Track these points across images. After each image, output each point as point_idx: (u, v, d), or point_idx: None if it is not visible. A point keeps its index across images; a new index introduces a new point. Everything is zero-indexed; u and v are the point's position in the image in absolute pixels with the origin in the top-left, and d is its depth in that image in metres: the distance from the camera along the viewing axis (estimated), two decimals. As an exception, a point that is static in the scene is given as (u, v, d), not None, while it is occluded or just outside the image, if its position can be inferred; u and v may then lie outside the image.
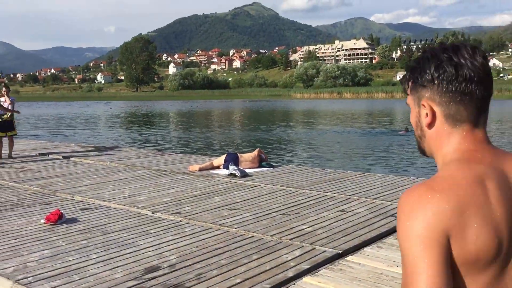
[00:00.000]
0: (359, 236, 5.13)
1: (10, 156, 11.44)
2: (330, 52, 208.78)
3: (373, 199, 6.88)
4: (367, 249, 4.76)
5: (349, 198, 6.98)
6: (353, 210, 6.27)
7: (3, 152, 11.28)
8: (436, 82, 1.06)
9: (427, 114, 1.10)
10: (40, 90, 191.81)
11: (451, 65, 1.04)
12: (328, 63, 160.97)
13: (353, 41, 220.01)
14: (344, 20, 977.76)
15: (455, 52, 1.04)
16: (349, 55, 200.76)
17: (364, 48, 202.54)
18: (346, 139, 22.56)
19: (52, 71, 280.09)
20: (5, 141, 11.50)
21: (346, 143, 20.88)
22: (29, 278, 4.00)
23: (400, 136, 22.67)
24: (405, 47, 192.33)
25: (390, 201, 6.71)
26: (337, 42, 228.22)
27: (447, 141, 1.08)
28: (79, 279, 3.98)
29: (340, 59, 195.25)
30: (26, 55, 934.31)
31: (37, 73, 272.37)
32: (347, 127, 29.31)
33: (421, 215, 0.97)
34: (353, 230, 5.36)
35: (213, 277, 4.04)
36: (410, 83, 1.14)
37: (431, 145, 1.13)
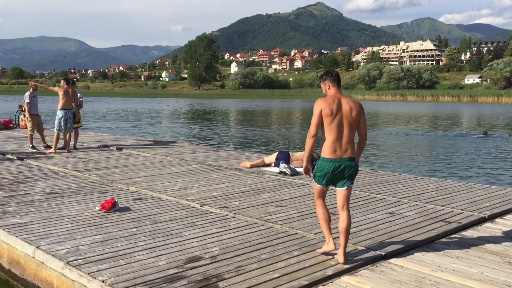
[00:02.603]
0: (406, 239, 5.00)
1: (75, 147, 12.08)
2: (395, 53, 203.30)
3: (424, 203, 6.68)
4: (412, 253, 4.64)
5: (399, 201, 6.81)
6: (402, 213, 6.11)
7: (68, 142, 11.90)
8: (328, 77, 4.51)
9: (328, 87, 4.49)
10: (108, 86, 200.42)
11: (330, 73, 4.53)
12: (392, 65, 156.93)
13: (419, 42, 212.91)
14: (410, 20, 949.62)
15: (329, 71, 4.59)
16: (415, 56, 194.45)
17: (430, 50, 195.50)
18: (407, 141, 21.93)
19: (121, 68, 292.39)
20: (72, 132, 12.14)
21: (405, 145, 20.31)
22: (80, 260, 4.24)
23: (465, 139, 21.73)
24: (475, 49, 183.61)
25: (442, 206, 6.48)
26: (402, 43, 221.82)
27: (329, 91, 4.48)
28: (124, 264, 4.17)
29: (404, 61, 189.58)
30: (97, 52, 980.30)
31: (106, 70, 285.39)
32: (408, 130, 28.48)
33: (316, 105, 4.34)
34: (400, 233, 5.24)
35: (252, 270, 4.09)
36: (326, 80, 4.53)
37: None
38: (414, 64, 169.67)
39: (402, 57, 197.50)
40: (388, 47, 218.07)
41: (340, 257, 4.32)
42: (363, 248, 4.71)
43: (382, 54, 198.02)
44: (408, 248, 4.78)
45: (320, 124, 4.30)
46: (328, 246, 4.50)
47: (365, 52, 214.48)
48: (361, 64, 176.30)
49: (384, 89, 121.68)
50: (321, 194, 4.52)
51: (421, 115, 47.81)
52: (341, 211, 4.45)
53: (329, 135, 4.29)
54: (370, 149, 19.14)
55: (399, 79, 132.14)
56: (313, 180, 4.54)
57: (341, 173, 4.34)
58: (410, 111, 55.38)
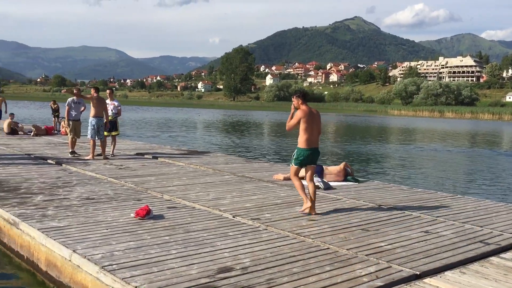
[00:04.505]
0: (441, 259, 4.87)
1: (112, 154, 12.37)
2: (433, 69, 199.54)
3: (462, 222, 6.50)
4: (448, 273, 4.51)
5: (436, 219, 6.65)
6: (438, 232, 5.97)
7: (106, 150, 12.19)
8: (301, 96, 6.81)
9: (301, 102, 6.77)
10: (146, 96, 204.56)
11: (301, 92, 6.87)
12: (430, 80, 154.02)
13: (459, 58, 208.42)
14: (450, 36, 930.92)
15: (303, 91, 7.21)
16: (454, 72, 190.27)
17: (470, 66, 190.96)
18: (444, 159, 21.43)
19: (158, 78, 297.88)
20: (109, 140, 12.46)
21: (443, 163, 19.84)
22: (114, 266, 4.32)
23: (506, 158, 21.05)
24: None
25: (481, 227, 6.29)
26: (441, 58, 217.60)
27: (302, 105, 6.74)
28: (157, 271, 4.22)
29: (443, 77, 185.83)
30: (136, 62, 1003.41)
31: (144, 80, 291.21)
32: (446, 147, 27.83)
33: (299, 113, 6.60)
34: (436, 252, 5.11)
35: (283, 283, 4.07)
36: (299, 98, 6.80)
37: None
38: (453, 80, 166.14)
39: (440, 72, 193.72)
40: (427, 62, 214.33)
41: (312, 211, 6.67)
42: (397, 266, 4.61)
43: (420, 69, 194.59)
44: (443, 269, 4.65)
45: (297, 125, 6.64)
46: (306, 204, 6.70)
47: (402, 67, 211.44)
48: (398, 79, 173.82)
49: (421, 105, 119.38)
50: (297, 173, 6.84)
51: (460, 132, 46.67)
52: (309, 182, 6.81)
53: (306, 133, 6.62)
54: (405, 165, 18.80)
55: (437, 95, 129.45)
56: (292, 163, 6.81)
57: (312, 157, 6.72)
58: (448, 127, 54.17)
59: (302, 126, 6.57)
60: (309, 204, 6.62)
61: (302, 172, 9.65)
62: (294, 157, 6.74)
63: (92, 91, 11.88)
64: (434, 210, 7.23)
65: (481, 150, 26.59)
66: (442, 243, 5.48)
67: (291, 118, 6.72)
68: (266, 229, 5.82)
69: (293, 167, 6.78)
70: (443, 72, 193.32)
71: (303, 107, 6.70)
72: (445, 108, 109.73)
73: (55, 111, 21.74)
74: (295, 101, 6.75)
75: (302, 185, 6.74)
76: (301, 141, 6.64)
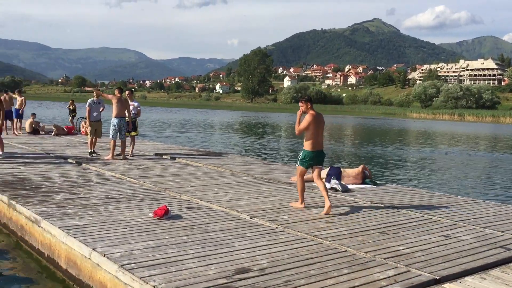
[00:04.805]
0: (461, 264, 4.81)
1: (131, 154, 12.49)
2: (453, 72, 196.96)
3: (482, 227, 6.40)
4: (468, 279, 4.45)
5: (456, 224, 6.56)
6: (458, 236, 5.89)
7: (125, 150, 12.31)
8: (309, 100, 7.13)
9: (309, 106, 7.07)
10: (164, 97, 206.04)
11: (309, 98, 7.15)
12: (450, 83, 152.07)
13: (480, 60, 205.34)
14: (472, 38, 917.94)
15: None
16: (475, 75, 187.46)
17: (492, 69, 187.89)
18: (464, 162, 21.13)
19: (176, 79, 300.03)
20: (128, 140, 12.58)
21: (463, 167, 19.57)
22: (133, 264, 4.36)
23: None
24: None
25: (502, 232, 6.19)
26: (461, 61, 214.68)
27: (309, 110, 7.11)
28: (175, 271, 4.25)
29: (464, 79, 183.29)
30: (155, 63, 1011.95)
31: (163, 81, 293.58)
32: (466, 150, 27.43)
33: (309, 117, 6.91)
34: (455, 257, 5.04)
35: (301, 285, 4.06)
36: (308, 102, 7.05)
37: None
38: (474, 83, 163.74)
39: (461, 75, 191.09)
40: (447, 65, 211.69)
41: (329, 209, 6.81)
42: (416, 270, 4.56)
43: (440, 72, 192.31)
44: (463, 274, 4.59)
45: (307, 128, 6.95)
46: (300, 205, 7.16)
47: (422, 70, 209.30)
48: (418, 81, 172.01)
49: (441, 108, 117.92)
50: (303, 174, 7.15)
51: (481, 135, 45.96)
52: (317, 180, 7.12)
53: (312, 136, 6.96)
54: (425, 169, 18.59)
55: (458, 98, 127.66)
56: (298, 164, 7.14)
57: (317, 159, 7.05)
58: (468, 131, 53.39)
59: (309, 130, 6.92)
60: (302, 206, 7.13)
61: (322, 174, 9.64)
62: (300, 159, 7.11)
63: (116, 91, 12.02)
64: (454, 214, 7.14)
65: (503, 155, 26.15)
66: (462, 247, 5.41)
67: (299, 122, 7.05)
68: (284, 231, 5.81)
69: (299, 167, 7.14)
70: (464, 75, 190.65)
71: (311, 111, 7.01)
72: (465, 111, 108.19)
73: (72, 111, 21.86)
74: (303, 105, 7.05)
75: (304, 188, 7.24)
76: (308, 143, 6.99)
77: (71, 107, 21.96)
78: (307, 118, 6.92)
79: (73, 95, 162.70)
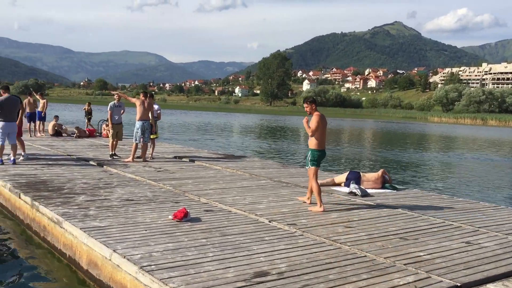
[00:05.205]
0: (483, 271, 4.73)
1: (151, 157, 12.61)
2: (476, 75, 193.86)
3: (505, 234, 6.29)
4: (490, 286, 4.38)
5: (478, 230, 6.46)
6: (480, 243, 5.79)
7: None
8: (314, 102, 7.44)
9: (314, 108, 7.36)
10: (184, 100, 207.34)
11: (314, 99, 7.47)
12: (472, 87, 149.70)
13: (504, 64, 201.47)
14: (495, 41, 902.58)
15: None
16: (498, 79, 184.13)
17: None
18: (487, 168, 20.77)
19: (196, 82, 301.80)
20: (148, 143, 12.68)
21: (485, 172, 19.23)
22: (152, 266, 4.40)
23: None
24: None
25: (525, 239, 6.06)
26: (484, 64, 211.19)
27: (315, 111, 7.33)
28: (194, 273, 4.28)
29: (486, 83, 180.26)
30: (175, 67, 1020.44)
31: (183, 84, 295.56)
32: (490, 155, 26.96)
33: (317, 118, 7.14)
34: (477, 264, 4.96)
35: (319, 290, 4.05)
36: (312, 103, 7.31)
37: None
38: (497, 87, 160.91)
39: (484, 79, 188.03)
40: (469, 68, 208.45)
41: (309, 201, 7.61)
42: (437, 277, 4.51)
43: (462, 75, 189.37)
44: (485, 281, 4.51)
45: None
46: (319, 208, 7.16)
47: (443, 73, 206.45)
48: (439, 85, 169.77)
49: (463, 112, 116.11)
50: (317, 174, 7.32)
51: (504, 140, 45.11)
52: (313, 180, 7.32)
53: (319, 136, 7.19)
54: (446, 174, 18.33)
55: (480, 102, 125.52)
56: (309, 165, 7.26)
57: (322, 157, 7.37)
58: (491, 136, 52.47)
59: (318, 130, 7.16)
60: (321, 209, 7.15)
61: (340, 178, 9.61)
62: (310, 159, 7.26)
63: (141, 95, 12.17)
64: (476, 221, 7.03)
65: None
66: (484, 254, 5.32)
67: (308, 124, 7.24)
68: (302, 235, 5.80)
69: (312, 169, 7.26)
70: (487, 79, 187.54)
71: (316, 112, 7.24)
72: (488, 115, 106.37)
73: (88, 113, 21.88)
74: (309, 106, 7.28)
75: (320, 190, 7.35)
76: (315, 143, 7.21)
77: (87, 108, 22.00)
78: (316, 119, 7.12)
79: (94, 98, 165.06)
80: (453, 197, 9.47)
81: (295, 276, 4.35)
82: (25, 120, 15.19)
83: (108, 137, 14.47)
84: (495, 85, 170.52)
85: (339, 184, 9.49)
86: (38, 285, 5.30)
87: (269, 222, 6.38)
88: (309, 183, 7.55)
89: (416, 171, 18.60)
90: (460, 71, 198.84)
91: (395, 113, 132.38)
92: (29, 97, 17.89)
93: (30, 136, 16.96)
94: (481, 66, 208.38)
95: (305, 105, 7.32)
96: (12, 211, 7.88)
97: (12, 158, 10.60)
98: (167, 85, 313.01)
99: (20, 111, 10.98)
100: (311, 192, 7.54)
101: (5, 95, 10.54)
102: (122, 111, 12.80)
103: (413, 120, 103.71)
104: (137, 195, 7.76)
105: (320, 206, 7.19)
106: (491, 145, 37.19)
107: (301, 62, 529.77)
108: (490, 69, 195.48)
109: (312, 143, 7.23)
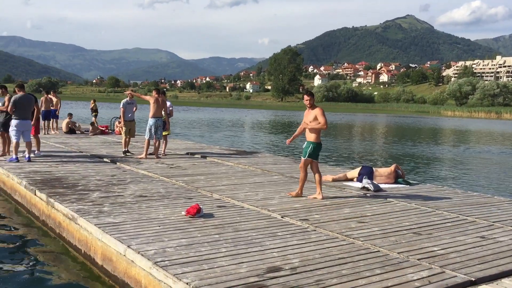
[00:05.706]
0: (498, 266, 4.69)
1: (164, 154, 12.68)
2: (490, 68, 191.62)
3: (520, 228, 6.22)
4: (505, 281, 4.34)
5: (492, 225, 6.40)
6: (495, 238, 5.74)
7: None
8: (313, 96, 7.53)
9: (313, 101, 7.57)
10: (195, 96, 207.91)
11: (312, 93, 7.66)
12: (486, 80, 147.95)
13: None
14: (509, 34, 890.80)
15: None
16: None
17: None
18: (501, 162, 20.54)
19: (207, 79, 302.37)
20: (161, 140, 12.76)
21: (500, 166, 19.03)
22: (166, 262, 4.44)
23: None
24: None
25: (541, 233, 6.00)
26: (498, 57, 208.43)
27: (317, 105, 7.53)
28: (207, 269, 4.30)
29: (501, 76, 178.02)
30: (186, 63, 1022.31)
31: (194, 81, 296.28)
32: (504, 149, 26.66)
33: (321, 110, 7.33)
34: (492, 258, 4.92)
35: (333, 285, 4.05)
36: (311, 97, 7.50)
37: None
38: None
39: (498, 72, 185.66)
40: (483, 61, 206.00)
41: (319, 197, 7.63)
42: (451, 271, 4.48)
43: (475, 68, 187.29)
44: (500, 276, 4.48)
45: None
46: (319, 195, 7.62)
47: (456, 67, 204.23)
48: (452, 79, 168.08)
49: (477, 106, 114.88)
50: (307, 165, 7.57)
51: (518, 134, 44.54)
52: (316, 172, 7.66)
53: (320, 130, 7.40)
54: (460, 168, 18.17)
55: (494, 95, 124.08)
56: (306, 157, 7.44)
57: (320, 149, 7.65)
58: (506, 129, 51.84)
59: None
60: (321, 196, 7.60)
61: (353, 173, 9.58)
62: (310, 152, 7.46)
63: (154, 92, 12.23)
64: (490, 215, 6.97)
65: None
66: (499, 249, 5.28)
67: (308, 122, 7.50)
68: (315, 230, 5.80)
69: (308, 160, 7.51)
70: (501, 72, 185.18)
71: (318, 105, 7.50)
72: (502, 109, 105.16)
73: (94, 111, 21.85)
74: (312, 100, 7.43)
75: (305, 180, 7.78)
76: (316, 136, 7.45)
77: (92, 106, 22.02)
78: (323, 112, 7.36)
79: (107, 95, 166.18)
80: (467, 192, 9.39)
81: (308, 271, 4.35)
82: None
83: (120, 134, 14.57)
84: (510, 78, 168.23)
85: (351, 179, 9.46)
86: (54, 281, 5.38)
87: (282, 217, 6.39)
88: (315, 177, 7.70)
89: (429, 166, 18.47)
90: (474, 64, 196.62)
91: (407, 107, 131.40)
92: (46, 95, 18.08)
93: (44, 134, 17.15)
94: (495, 59, 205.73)
95: (307, 97, 7.43)
96: (28, 207, 7.99)
97: (27, 156, 10.74)
98: (178, 81, 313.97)
99: (35, 109, 11.11)
100: (320, 184, 7.69)
101: (20, 93, 10.68)
102: (134, 108, 12.88)
103: (426, 115, 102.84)
104: (150, 191, 7.82)
105: (300, 193, 7.71)
106: (505, 139, 36.76)
107: (312, 57, 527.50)
108: (505, 62, 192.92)
109: (313, 136, 7.41)
